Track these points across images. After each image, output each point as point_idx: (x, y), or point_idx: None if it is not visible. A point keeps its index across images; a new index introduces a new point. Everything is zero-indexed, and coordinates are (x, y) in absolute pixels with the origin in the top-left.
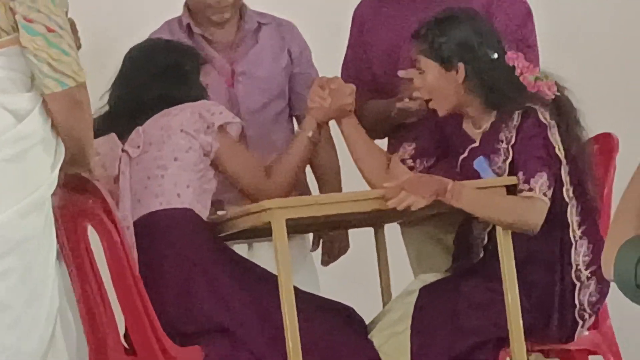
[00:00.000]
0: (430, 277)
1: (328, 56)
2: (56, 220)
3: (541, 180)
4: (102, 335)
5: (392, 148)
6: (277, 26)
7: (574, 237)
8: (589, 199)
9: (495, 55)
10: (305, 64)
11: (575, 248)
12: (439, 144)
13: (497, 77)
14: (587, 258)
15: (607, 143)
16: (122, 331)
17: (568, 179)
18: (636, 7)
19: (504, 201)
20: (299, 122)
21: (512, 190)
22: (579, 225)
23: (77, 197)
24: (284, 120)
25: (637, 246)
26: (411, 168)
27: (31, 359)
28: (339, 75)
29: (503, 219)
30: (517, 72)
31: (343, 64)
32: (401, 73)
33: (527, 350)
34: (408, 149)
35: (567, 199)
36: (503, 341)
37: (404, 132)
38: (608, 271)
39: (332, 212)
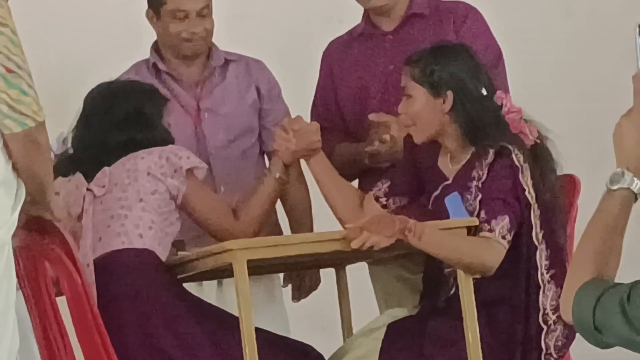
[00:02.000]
0: (397, 313)
1: (298, 93)
2: (16, 259)
3: (502, 223)
4: None
5: (362, 189)
6: (245, 64)
7: (542, 280)
8: (559, 244)
9: (485, 92)
10: (275, 100)
11: (544, 292)
12: (413, 182)
13: (482, 113)
14: (554, 302)
15: (569, 184)
16: None
17: (538, 222)
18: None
19: (463, 242)
20: (269, 159)
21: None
22: (548, 270)
23: (38, 238)
24: (253, 156)
25: (595, 289)
26: (384, 206)
27: None
28: (310, 113)
29: (461, 260)
30: (504, 110)
31: (312, 106)
32: (372, 116)
33: None
34: (382, 187)
35: (536, 243)
36: None
37: (374, 175)
38: (566, 314)
39: (293, 252)
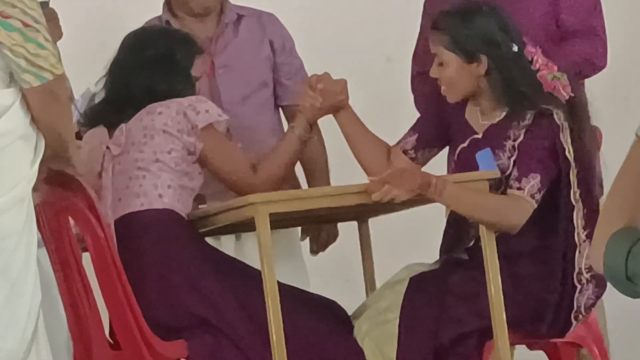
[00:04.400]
0: (419, 266)
1: (313, 47)
2: (39, 215)
3: (533, 182)
4: (86, 330)
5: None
6: (258, 18)
7: (579, 240)
8: (594, 202)
9: (516, 49)
10: (288, 54)
11: (579, 251)
12: (440, 134)
13: (516, 73)
14: (589, 261)
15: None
16: (107, 327)
17: (576, 181)
18: None
19: (487, 200)
20: (284, 112)
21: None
22: (584, 229)
23: (60, 193)
24: (269, 111)
25: (627, 238)
26: (413, 159)
27: (12, 356)
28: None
29: (484, 218)
30: (535, 67)
31: (413, 54)
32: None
33: (512, 343)
34: (410, 139)
35: (573, 202)
36: (489, 332)
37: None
38: (597, 264)
39: (315, 206)
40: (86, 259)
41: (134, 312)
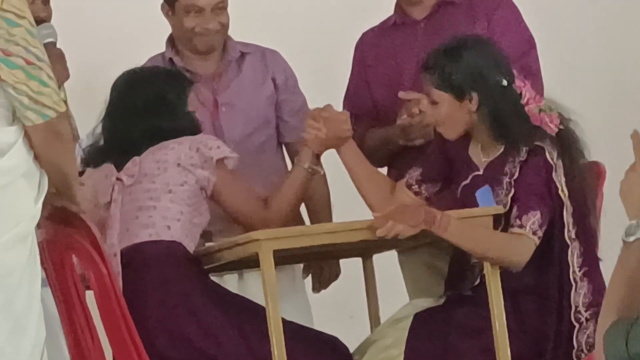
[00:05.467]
0: (423, 303)
1: (317, 83)
2: (43, 252)
3: (534, 219)
4: None
5: (392, 177)
6: (261, 55)
7: (575, 278)
8: (591, 240)
9: (505, 83)
10: (291, 91)
11: (576, 289)
12: (444, 170)
13: (503, 107)
14: (587, 300)
15: (593, 172)
16: None
17: (570, 220)
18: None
19: (491, 236)
20: (287, 149)
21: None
22: (580, 267)
23: (64, 230)
24: (272, 148)
25: (623, 325)
26: (416, 194)
27: None
28: (342, 102)
29: (487, 254)
30: (524, 100)
31: (345, 95)
32: (401, 94)
33: None
34: (414, 174)
35: (568, 241)
36: None
37: (404, 161)
38: (600, 353)
39: (320, 242)
40: (89, 296)
41: (137, 349)
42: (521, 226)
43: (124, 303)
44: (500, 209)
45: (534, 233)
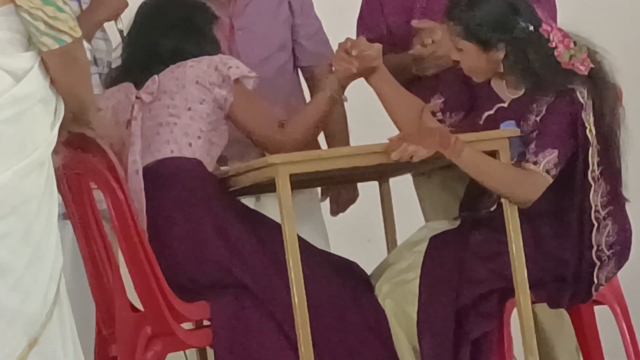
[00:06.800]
0: (438, 225)
1: (332, 8)
2: (60, 179)
3: (550, 157)
4: (108, 292)
5: None
6: None
7: (597, 217)
8: (617, 180)
9: (532, 28)
10: (307, 15)
11: (598, 229)
12: (466, 99)
13: (533, 56)
14: (610, 239)
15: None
16: (129, 288)
17: (596, 161)
18: None
19: (502, 171)
20: (303, 73)
21: None
22: (605, 206)
23: (81, 156)
24: (288, 72)
25: None
26: (440, 121)
27: (35, 319)
28: (356, 25)
29: (497, 188)
30: (552, 44)
31: (358, 18)
32: (414, 22)
33: (533, 301)
34: (437, 102)
35: (591, 181)
36: (510, 291)
37: (422, 90)
38: None
39: (335, 166)
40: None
41: (155, 274)
42: (536, 162)
43: (141, 228)
44: (517, 131)
45: (548, 172)
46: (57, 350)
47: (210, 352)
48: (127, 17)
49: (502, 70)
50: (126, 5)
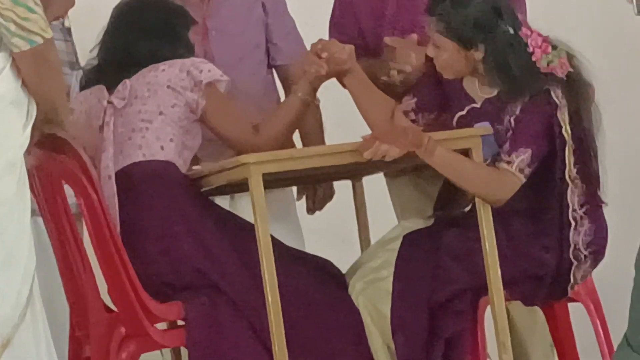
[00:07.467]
0: (412, 224)
1: (305, 8)
2: (33, 181)
3: (523, 157)
4: (82, 293)
5: None
6: None
7: (574, 217)
8: (593, 179)
9: (512, 31)
10: (280, 14)
11: (576, 228)
12: (438, 99)
13: (512, 58)
14: (587, 238)
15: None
16: (102, 290)
17: (572, 160)
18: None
19: (475, 170)
20: (277, 72)
21: None
22: (582, 206)
23: (53, 157)
24: (262, 72)
25: None
26: (413, 121)
27: (7, 321)
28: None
29: (470, 187)
30: (530, 49)
31: (331, 19)
32: (388, 40)
33: (507, 299)
34: (410, 102)
35: (568, 181)
36: (483, 289)
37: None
38: None
39: (308, 165)
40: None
41: (128, 274)
42: (509, 162)
43: (114, 228)
44: (490, 129)
45: (521, 171)
46: (30, 351)
47: (184, 352)
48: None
49: (480, 70)
50: (73, 3)
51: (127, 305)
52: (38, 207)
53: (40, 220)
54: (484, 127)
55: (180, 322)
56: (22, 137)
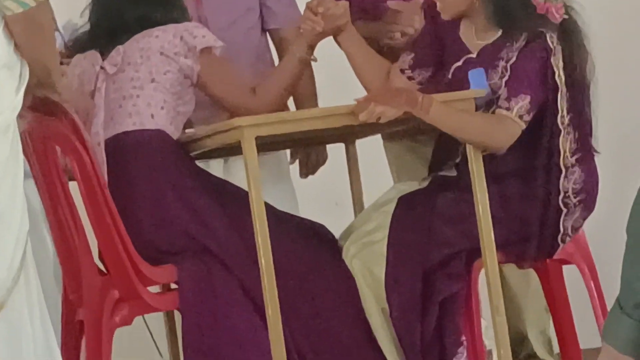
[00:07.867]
0: (406, 186)
1: None
2: (26, 143)
3: (522, 103)
4: (74, 256)
5: None
6: None
7: (566, 164)
8: (586, 126)
9: None
10: None
11: (566, 175)
12: (436, 53)
13: None
14: (577, 185)
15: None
16: (95, 252)
17: (565, 106)
18: None
19: (474, 119)
20: (271, 36)
21: None
22: (573, 153)
23: (46, 120)
24: (256, 36)
25: None
26: (410, 78)
27: (1, 285)
28: None
29: (470, 137)
30: None
31: None
32: (391, 4)
33: (500, 261)
34: (407, 59)
35: (560, 126)
36: (477, 252)
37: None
38: None
39: (301, 128)
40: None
41: (121, 237)
42: (508, 109)
43: (107, 191)
44: (484, 92)
45: (520, 117)
46: (24, 314)
47: (177, 316)
48: None
49: (477, 8)
50: None
51: (120, 267)
52: (30, 170)
53: (31, 182)
54: (477, 90)
55: (173, 286)
56: (15, 100)
